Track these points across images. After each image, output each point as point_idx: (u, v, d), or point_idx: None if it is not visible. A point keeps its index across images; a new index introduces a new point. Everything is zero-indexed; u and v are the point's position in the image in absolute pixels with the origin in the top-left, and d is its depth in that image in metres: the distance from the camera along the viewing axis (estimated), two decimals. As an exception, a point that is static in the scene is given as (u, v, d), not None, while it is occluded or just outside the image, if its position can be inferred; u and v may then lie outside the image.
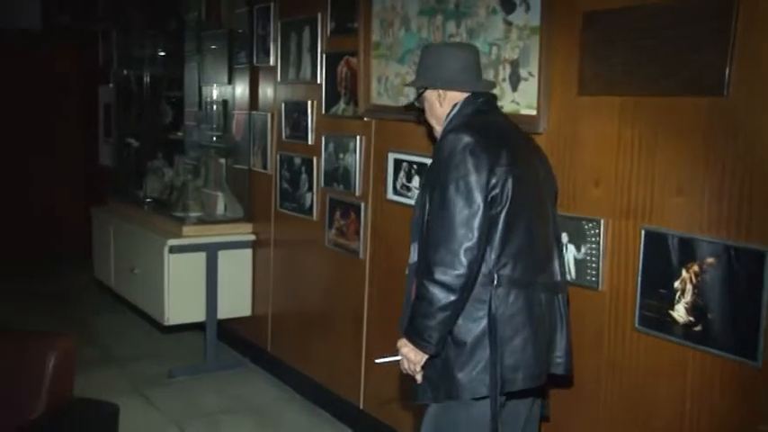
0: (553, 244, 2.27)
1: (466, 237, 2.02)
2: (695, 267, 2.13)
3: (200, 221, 4.55)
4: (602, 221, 2.39)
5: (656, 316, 2.24)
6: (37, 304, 5.77)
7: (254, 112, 4.41)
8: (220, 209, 4.70)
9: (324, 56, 3.73)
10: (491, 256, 2.09)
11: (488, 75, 2.72)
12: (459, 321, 2.11)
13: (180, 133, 5.17)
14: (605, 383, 2.43)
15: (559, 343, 2.24)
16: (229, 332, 4.77)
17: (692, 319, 2.15)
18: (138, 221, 4.88)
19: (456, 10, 2.86)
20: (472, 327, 2.11)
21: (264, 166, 4.31)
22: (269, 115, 4.23)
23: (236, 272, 4.53)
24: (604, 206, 2.39)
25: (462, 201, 2.04)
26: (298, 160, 3.98)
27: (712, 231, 2.09)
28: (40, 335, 2.54)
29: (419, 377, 2.19)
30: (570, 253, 2.50)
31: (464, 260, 2.02)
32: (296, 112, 3.97)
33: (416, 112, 2.62)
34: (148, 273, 4.52)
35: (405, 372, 2.23)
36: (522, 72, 2.59)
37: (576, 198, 2.49)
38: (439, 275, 2.04)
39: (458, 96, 2.27)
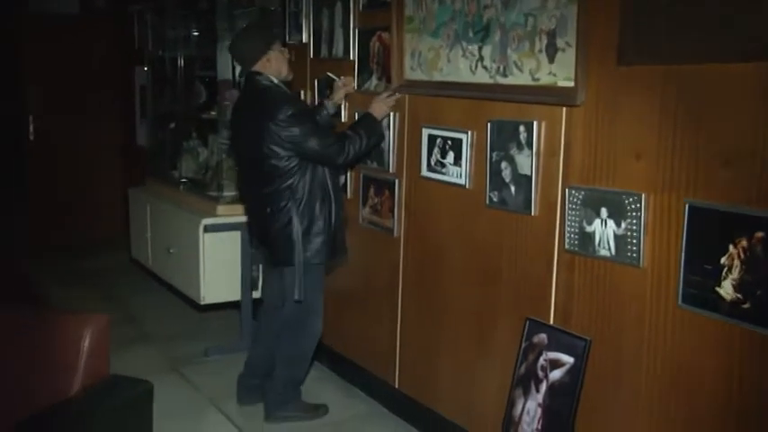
0: None
1: None
2: (743, 242, 2.04)
3: (235, 200, 4.54)
4: (643, 196, 2.30)
5: (700, 293, 2.16)
6: (75, 283, 5.85)
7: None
8: (254, 188, 4.68)
9: (356, 31, 3.67)
10: None
11: (524, 46, 2.65)
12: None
13: (214, 113, 5.16)
14: (647, 360, 2.36)
15: None
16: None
17: (739, 296, 2.06)
18: (174, 201, 4.90)
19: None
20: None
21: (298, 145, 4.27)
22: (302, 92, 4.19)
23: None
24: (646, 180, 2.31)
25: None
26: (331, 138, 3.94)
27: (762, 204, 1.99)
28: (76, 313, 2.55)
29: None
30: (610, 228, 2.42)
31: None
32: (329, 89, 3.92)
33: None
34: (184, 252, 4.54)
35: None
36: (560, 43, 2.51)
37: (616, 172, 2.41)
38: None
39: None
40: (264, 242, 3.50)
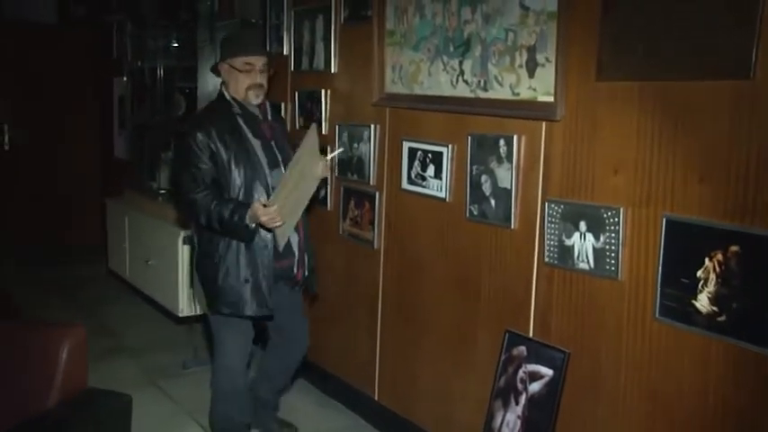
0: None
1: None
2: (719, 256, 2.07)
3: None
4: (621, 210, 2.34)
5: (677, 306, 2.19)
6: (52, 294, 5.79)
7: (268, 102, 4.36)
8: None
9: (337, 44, 3.69)
10: None
11: (504, 61, 2.68)
12: None
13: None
14: (625, 373, 2.38)
15: None
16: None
17: (715, 308, 2.09)
18: (153, 213, 4.87)
19: (471, -5, 2.81)
20: None
21: (278, 157, 4.27)
22: (282, 105, 4.20)
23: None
24: (624, 194, 2.34)
25: None
26: (311, 150, 3.94)
27: (736, 219, 2.03)
28: (53, 325, 2.53)
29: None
30: (589, 242, 2.45)
31: None
32: (309, 101, 3.93)
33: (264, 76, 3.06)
34: (162, 264, 4.51)
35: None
36: (540, 58, 2.54)
37: (594, 186, 2.44)
38: None
39: None
40: None
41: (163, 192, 5.16)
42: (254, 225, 2.81)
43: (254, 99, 3.01)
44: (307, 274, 3.15)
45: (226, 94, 3.03)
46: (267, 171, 2.96)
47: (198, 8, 5.06)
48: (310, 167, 2.92)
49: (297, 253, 3.08)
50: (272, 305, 2.99)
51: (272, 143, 3.04)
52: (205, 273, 3.00)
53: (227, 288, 2.94)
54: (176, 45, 5.60)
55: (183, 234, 4.25)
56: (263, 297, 2.95)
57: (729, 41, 2.01)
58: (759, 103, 1.97)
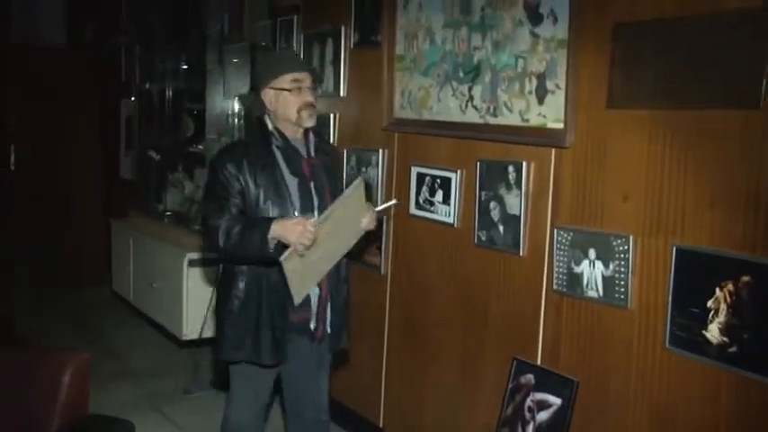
0: None
1: None
2: (730, 286, 2.05)
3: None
4: (631, 238, 2.32)
5: (687, 335, 2.17)
6: (56, 317, 5.77)
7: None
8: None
9: (347, 69, 3.70)
10: None
11: (514, 87, 2.68)
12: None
13: (201, 146, 5.17)
14: (634, 402, 2.35)
15: None
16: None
17: (726, 339, 2.07)
18: (158, 235, 4.87)
19: (481, 22, 2.82)
20: None
21: (285, 180, 4.28)
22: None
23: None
24: (633, 222, 2.32)
25: None
26: (319, 174, 3.94)
27: (747, 248, 2.01)
28: (55, 350, 2.51)
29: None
30: (598, 269, 2.43)
31: None
32: (319, 125, 3.92)
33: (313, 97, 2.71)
34: (167, 287, 4.50)
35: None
36: (549, 85, 2.54)
37: (604, 213, 2.43)
38: None
39: None
40: None
41: (169, 213, 5.16)
42: (274, 244, 2.44)
43: (309, 120, 2.64)
44: (330, 331, 2.75)
45: (269, 123, 2.67)
46: (297, 215, 2.55)
47: (207, 31, 5.10)
48: (354, 217, 2.58)
49: (315, 308, 2.69)
50: (285, 356, 2.67)
51: (311, 184, 2.65)
52: (220, 315, 2.71)
53: (235, 331, 2.64)
54: (185, 67, 5.64)
55: (188, 257, 4.24)
56: (275, 344, 2.63)
57: (740, 71, 2.01)
58: (770, 133, 1.96)
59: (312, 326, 2.70)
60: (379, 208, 2.71)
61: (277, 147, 2.64)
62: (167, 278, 4.46)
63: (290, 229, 2.40)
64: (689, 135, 2.16)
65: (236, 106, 4.82)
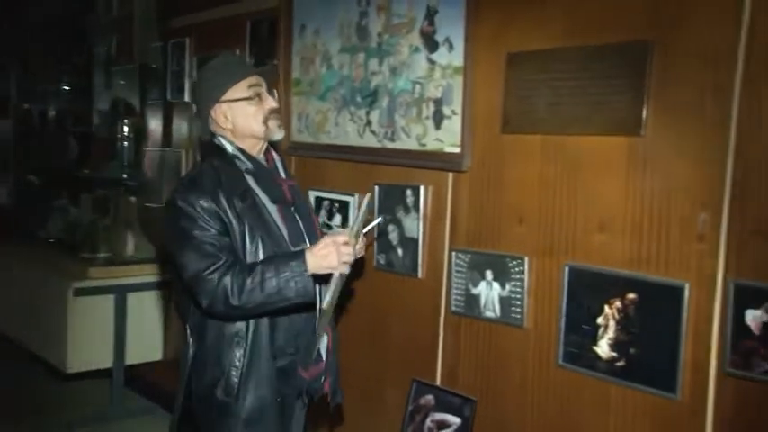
0: None
1: None
2: (617, 303, 2.16)
3: (109, 262, 4.34)
4: (526, 259, 2.40)
5: (579, 352, 2.26)
6: None
7: (167, 150, 4.28)
8: (130, 249, 4.50)
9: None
10: None
11: (411, 112, 2.74)
12: None
13: (87, 170, 4.97)
14: (531, 419, 2.42)
15: None
16: (138, 378, 4.53)
17: (614, 354, 2.17)
18: (40, 263, 4.61)
19: (378, 48, 2.87)
20: None
21: (178, 205, 4.17)
22: (183, 152, 4.12)
23: (147, 314, 4.34)
24: (528, 243, 2.41)
25: None
26: (214, 198, 3.87)
27: (633, 267, 2.13)
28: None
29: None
30: (495, 290, 2.50)
31: None
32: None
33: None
34: (50, 317, 4.26)
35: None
36: (446, 110, 2.61)
37: (500, 235, 2.51)
38: None
39: None
40: None
41: (52, 241, 4.91)
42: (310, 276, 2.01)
43: (278, 131, 2.21)
44: (334, 385, 2.35)
45: (227, 146, 2.18)
46: (290, 248, 2.13)
47: (94, 51, 4.93)
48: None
49: (325, 355, 2.27)
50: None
51: (293, 208, 2.24)
52: (209, 384, 2.13)
53: (247, 406, 2.10)
54: (68, 88, 5.42)
55: (73, 285, 4.04)
56: (288, 423, 2.24)
57: (623, 101, 2.14)
58: (650, 159, 2.09)
59: (322, 380, 2.27)
60: (366, 229, 2.18)
61: (247, 171, 2.16)
62: (50, 308, 4.23)
63: (322, 254, 2.00)
64: (578, 160, 2.27)
65: (125, 129, 4.67)
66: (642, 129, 2.09)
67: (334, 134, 3.10)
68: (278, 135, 2.22)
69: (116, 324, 4.19)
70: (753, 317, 1.89)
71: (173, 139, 4.27)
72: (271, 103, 2.20)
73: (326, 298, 2.05)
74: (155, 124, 4.41)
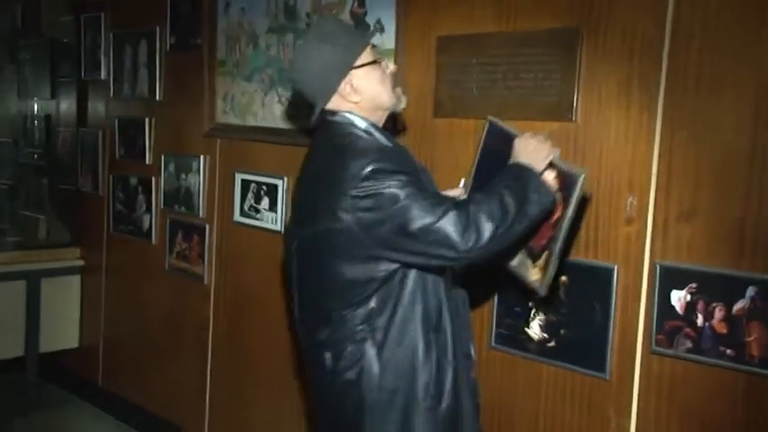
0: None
1: None
2: (549, 285, 2.21)
3: (19, 247, 4.14)
4: (458, 242, 2.42)
5: (512, 334, 2.30)
6: None
7: (82, 129, 4.10)
8: (42, 233, 4.31)
9: (163, 71, 3.54)
10: None
11: (342, 95, 2.69)
12: None
13: (-7, 151, 4.71)
14: (464, 402, 2.45)
15: None
16: (53, 367, 4.36)
17: (545, 335, 2.23)
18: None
19: (307, 29, 2.82)
20: None
21: (95, 187, 4.01)
22: (100, 132, 3.95)
23: (62, 300, 4.17)
24: (460, 227, 2.42)
25: None
26: (134, 180, 3.74)
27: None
28: None
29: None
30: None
31: None
32: (132, 129, 3.72)
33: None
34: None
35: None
36: (377, 93, 2.58)
37: (432, 219, 2.51)
38: None
39: None
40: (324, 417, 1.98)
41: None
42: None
43: (404, 99, 1.94)
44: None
45: (361, 122, 1.84)
46: None
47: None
48: None
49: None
50: None
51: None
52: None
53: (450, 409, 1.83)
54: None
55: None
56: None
57: (554, 86, 2.17)
58: (581, 144, 2.14)
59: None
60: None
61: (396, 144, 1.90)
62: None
63: (532, 147, 1.82)
64: (510, 144, 2.28)
65: (35, 108, 4.44)
66: (573, 114, 2.13)
67: (261, 116, 3.04)
68: (403, 103, 1.94)
69: (28, 311, 4.01)
70: (678, 297, 1.97)
71: (88, 118, 4.08)
72: (392, 66, 1.92)
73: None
74: (68, 103, 4.20)
